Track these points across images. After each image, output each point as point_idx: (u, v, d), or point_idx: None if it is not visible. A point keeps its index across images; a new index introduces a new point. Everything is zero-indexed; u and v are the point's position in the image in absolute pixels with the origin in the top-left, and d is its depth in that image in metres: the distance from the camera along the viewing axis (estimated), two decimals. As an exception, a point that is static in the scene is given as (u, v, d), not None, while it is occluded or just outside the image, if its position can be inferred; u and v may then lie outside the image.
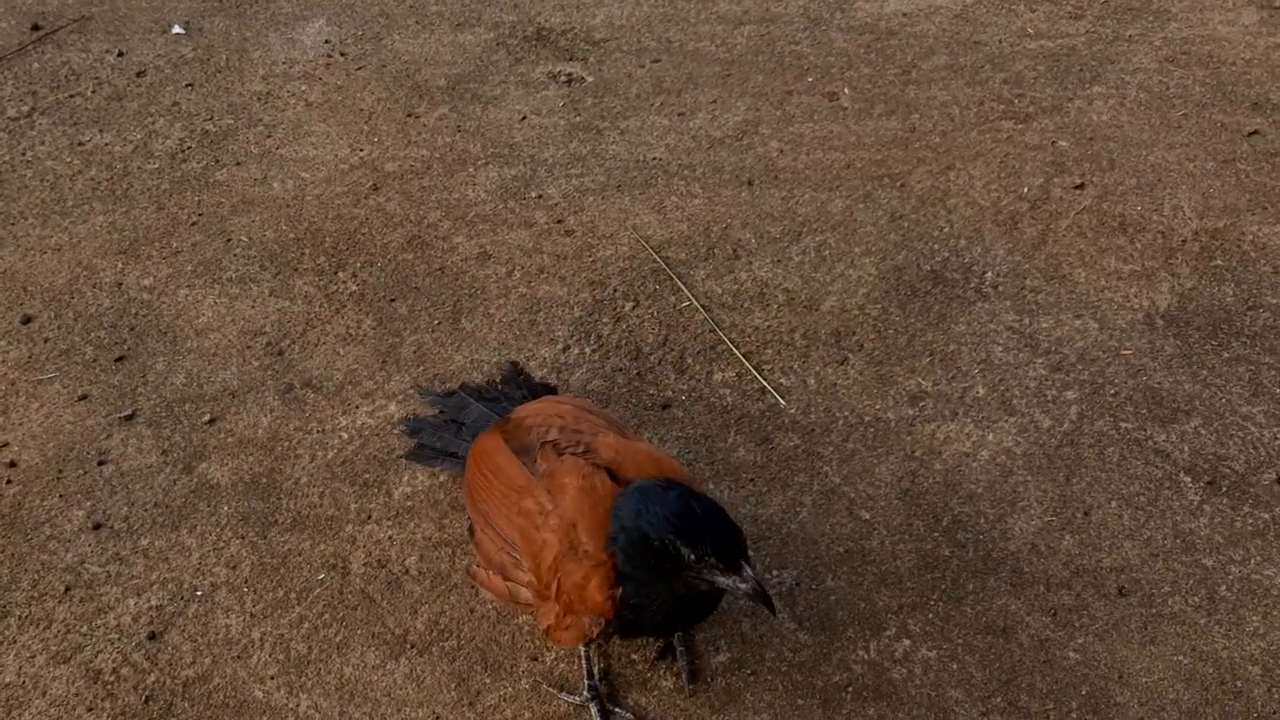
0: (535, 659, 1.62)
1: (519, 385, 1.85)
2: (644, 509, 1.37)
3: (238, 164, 2.65)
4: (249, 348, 2.14)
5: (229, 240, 2.41)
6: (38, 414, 2.03)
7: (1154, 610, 1.63)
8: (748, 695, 1.57)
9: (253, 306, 2.24)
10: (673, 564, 1.36)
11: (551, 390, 1.87)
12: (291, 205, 2.50)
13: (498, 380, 1.90)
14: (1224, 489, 1.77)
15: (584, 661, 1.58)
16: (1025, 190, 2.34)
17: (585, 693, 1.56)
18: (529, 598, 1.50)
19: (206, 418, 2.01)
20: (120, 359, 2.13)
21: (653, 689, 1.58)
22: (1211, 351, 1.98)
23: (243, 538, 1.80)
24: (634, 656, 1.62)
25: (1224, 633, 1.60)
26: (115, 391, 2.07)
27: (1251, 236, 2.18)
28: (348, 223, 2.43)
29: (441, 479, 1.87)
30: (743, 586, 1.35)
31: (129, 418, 2.01)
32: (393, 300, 2.22)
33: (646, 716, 1.55)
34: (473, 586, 1.71)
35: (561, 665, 1.62)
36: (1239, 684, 1.54)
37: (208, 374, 2.10)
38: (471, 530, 1.61)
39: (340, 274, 2.29)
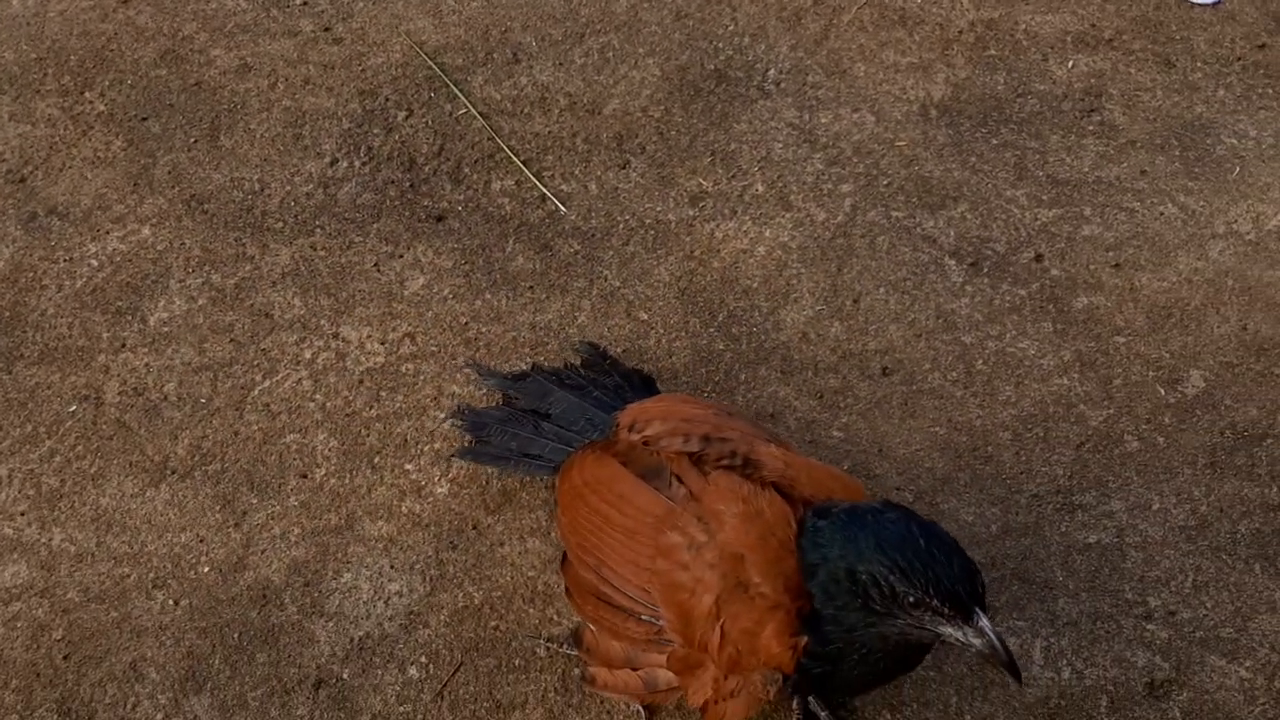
0: (305, 476, 1.59)
1: (607, 372, 1.55)
2: (852, 536, 1.08)
3: (-33, -22, 2.38)
4: (-15, 176, 1.97)
5: (-41, 62, 2.18)
6: None
7: (914, 387, 1.68)
8: (523, 494, 1.57)
9: (-12, 132, 2.04)
10: (885, 606, 1.07)
11: (650, 380, 1.55)
12: (32, 23, 2.27)
13: (578, 364, 1.59)
14: (985, 269, 1.82)
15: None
16: (810, -15, 2.29)
17: None
18: (671, 679, 1.23)
19: (-62, 252, 1.85)
20: None
21: (426, 496, 1.57)
22: (981, 139, 2.01)
23: (-16, 375, 1.69)
24: (408, 466, 1.60)
25: (979, 404, 1.67)
26: None
27: (1024, 25, 2.20)
28: (94, 39, 2.22)
29: (200, 301, 1.77)
30: (975, 643, 1.05)
31: None
32: (145, 119, 2.05)
33: None
34: (237, 408, 1.64)
35: (332, 480, 1.58)
36: (990, 449, 1.62)
37: (-61, 206, 1.92)
38: (569, 591, 1.33)
39: (87, 94, 2.11)
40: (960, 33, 2.18)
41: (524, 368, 1.61)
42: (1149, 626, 1.46)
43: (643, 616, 1.22)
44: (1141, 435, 1.63)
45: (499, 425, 1.50)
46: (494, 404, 1.59)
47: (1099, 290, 1.79)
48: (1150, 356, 1.71)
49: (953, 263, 1.83)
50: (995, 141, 2.00)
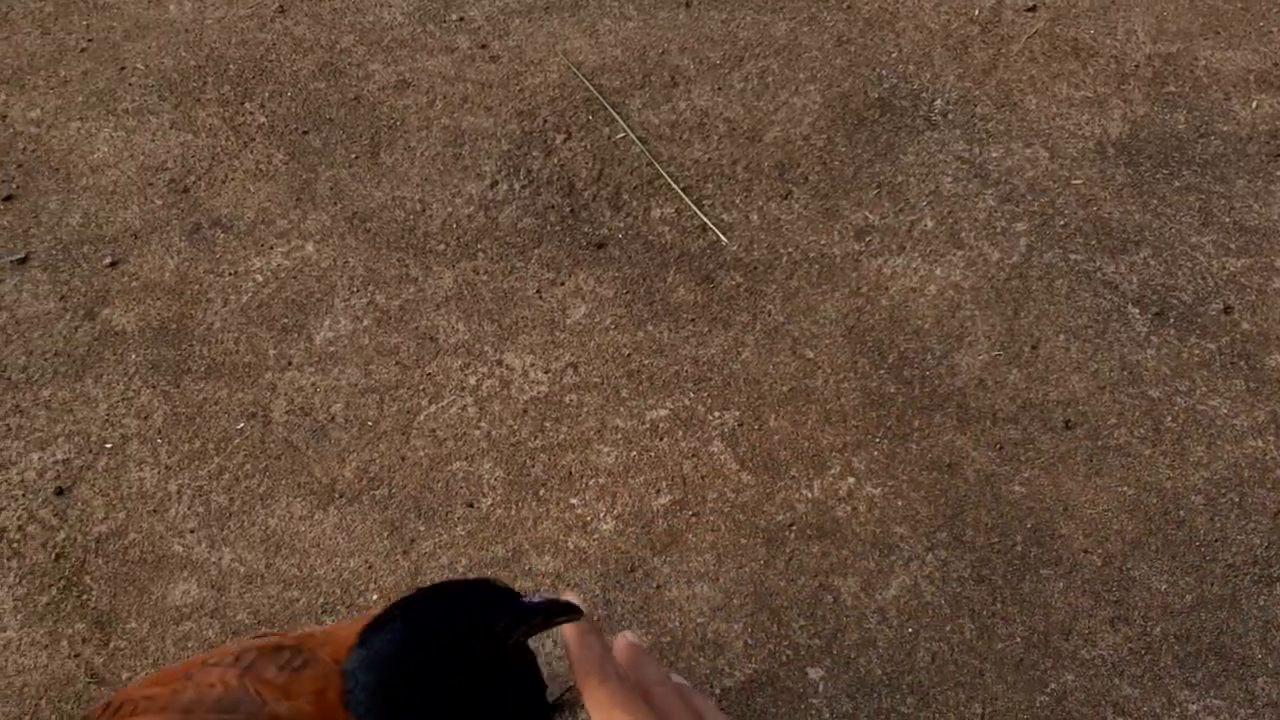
0: (471, 505, 1.56)
1: None
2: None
3: (128, -15, 2.41)
4: (150, 185, 1.98)
5: (123, 68, 2.21)
6: (-81, 259, 1.87)
7: (1100, 443, 1.61)
8: (690, 536, 1.53)
9: (153, 140, 2.06)
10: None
11: None
12: (190, 30, 2.29)
13: None
14: (1171, 320, 1.74)
15: None
16: (976, 13, 2.22)
17: None
18: None
19: (107, 260, 1.86)
20: (9, 198, 1.96)
21: (592, 532, 1.54)
22: (1162, 180, 1.92)
23: (154, 387, 1.69)
24: (573, 500, 1.57)
25: (1168, 463, 1.59)
26: (5, 233, 1.90)
27: (1204, 62, 2.10)
28: (253, 49, 2.24)
29: (365, 322, 1.76)
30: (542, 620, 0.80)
31: (22, 261, 1.86)
32: (305, 132, 2.06)
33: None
34: (403, 432, 1.63)
35: (499, 511, 1.56)
36: (1182, 513, 1.54)
37: (106, 213, 1.94)
38: None
39: (247, 105, 2.12)
40: (1137, 67, 2.10)
41: None
42: (1358, 714, 1.37)
43: None
44: (1345, 505, 1.54)
45: None
46: None
47: (1295, 347, 1.70)
48: (1352, 421, 1.62)
49: (1136, 311, 1.75)
50: (1177, 184, 1.91)
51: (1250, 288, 1.77)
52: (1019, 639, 1.43)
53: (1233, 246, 1.82)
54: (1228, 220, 1.86)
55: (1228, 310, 1.75)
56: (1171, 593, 1.47)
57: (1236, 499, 1.55)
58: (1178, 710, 1.38)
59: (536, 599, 0.78)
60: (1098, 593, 1.47)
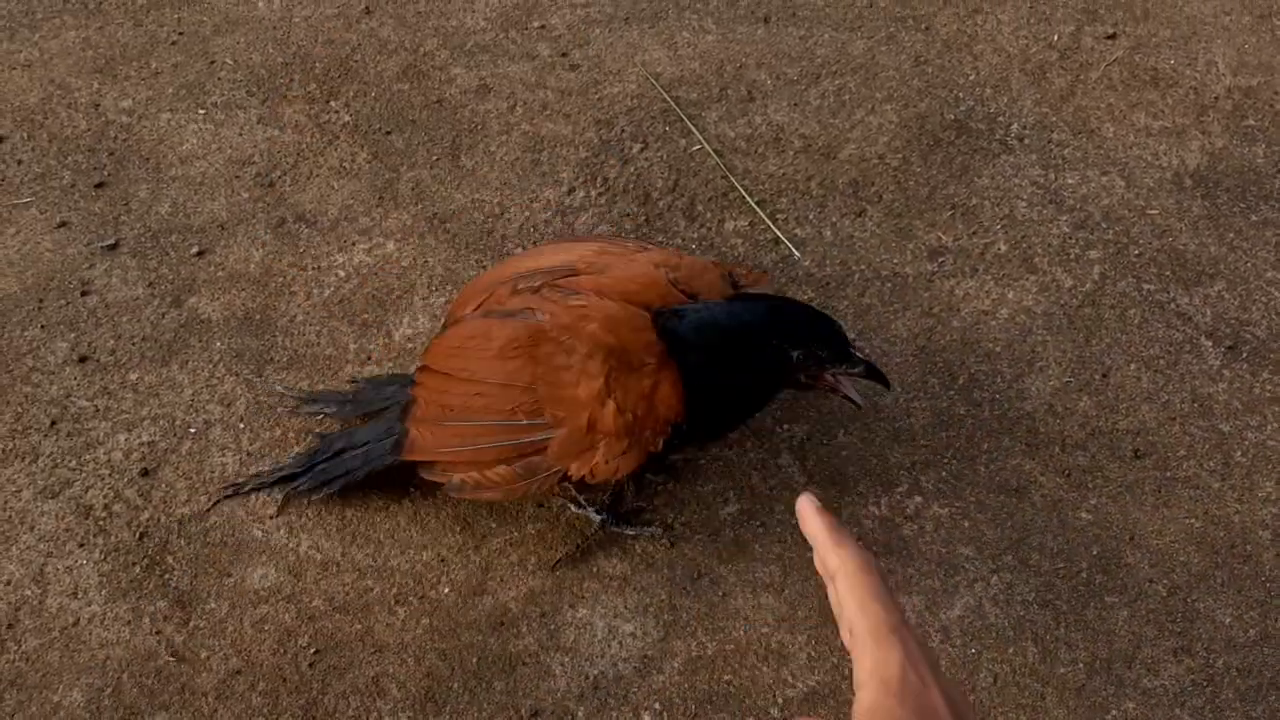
0: (541, 505, 1.59)
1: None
2: (715, 321, 1.41)
3: (218, -19, 2.48)
4: (237, 178, 2.04)
5: (212, 62, 2.27)
6: (14, 240, 1.93)
7: (1168, 474, 1.61)
8: (756, 547, 1.55)
9: (240, 134, 2.12)
10: (776, 367, 1.41)
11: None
12: (279, 27, 2.35)
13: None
14: (1245, 354, 1.74)
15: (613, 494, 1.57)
16: (1055, 38, 2.22)
17: (601, 515, 1.56)
18: (549, 463, 1.42)
19: (195, 249, 1.92)
20: (100, 185, 2.02)
21: (660, 537, 1.56)
22: (1239, 214, 1.92)
23: (237, 375, 1.74)
24: (641, 505, 1.59)
25: (1237, 498, 1.59)
26: (96, 219, 1.96)
27: (1286, 96, 2.10)
28: (339, 48, 2.29)
29: (443, 321, 1.80)
30: (859, 368, 1.42)
31: (112, 247, 1.92)
32: (388, 133, 2.10)
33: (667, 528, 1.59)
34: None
35: (569, 511, 1.59)
36: (1249, 548, 1.54)
37: (194, 204, 1.99)
38: (429, 464, 1.49)
39: (332, 103, 2.17)
40: (1216, 99, 2.09)
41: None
42: None
43: (522, 423, 1.40)
44: None
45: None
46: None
47: (1370, 387, 1.69)
48: None
49: (1209, 344, 1.75)
50: (1255, 218, 1.91)
51: (1326, 325, 1.77)
52: (1081, 664, 1.44)
53: (1309, 283, 1.82)
54: (1305, 256, 1.85)
55: (1302, 347, 1.74)
56: (1236, 626, 1.47)
57: (1306, 537, 1.55)
58: (1240, 745, 1.38)
59: (860, 355, 1.42)
60: (1162, 623, 1.47)
